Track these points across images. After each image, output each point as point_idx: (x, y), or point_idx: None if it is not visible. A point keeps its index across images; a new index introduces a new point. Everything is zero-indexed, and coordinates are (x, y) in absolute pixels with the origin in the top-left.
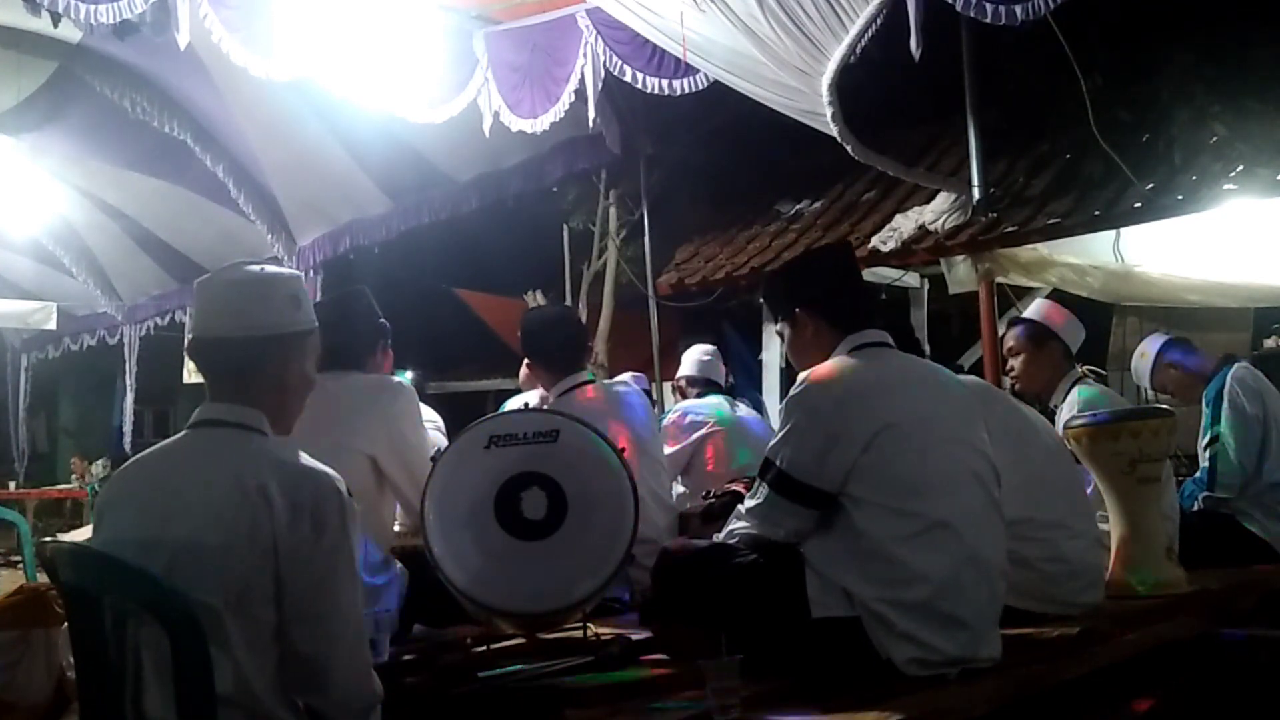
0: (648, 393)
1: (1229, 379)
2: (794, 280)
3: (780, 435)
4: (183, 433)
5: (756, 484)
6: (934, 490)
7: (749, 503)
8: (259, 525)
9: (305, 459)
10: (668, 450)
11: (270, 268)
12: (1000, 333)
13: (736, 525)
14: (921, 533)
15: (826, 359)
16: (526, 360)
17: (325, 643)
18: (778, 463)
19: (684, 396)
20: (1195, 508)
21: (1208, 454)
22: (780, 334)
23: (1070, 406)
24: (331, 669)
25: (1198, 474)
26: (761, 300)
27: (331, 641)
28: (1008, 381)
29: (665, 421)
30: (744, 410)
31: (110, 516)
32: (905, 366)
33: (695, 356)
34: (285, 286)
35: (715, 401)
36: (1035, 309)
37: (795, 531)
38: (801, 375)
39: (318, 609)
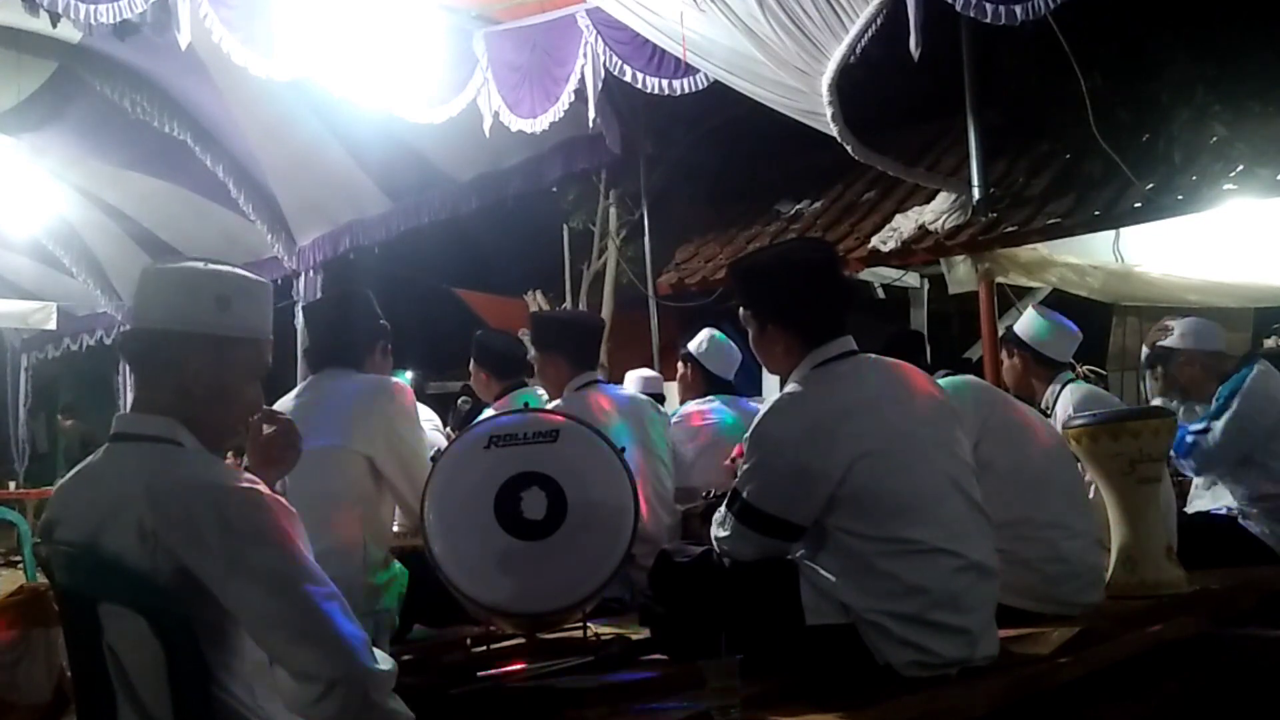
0: (660, 397)
1: (1248, 382)
2: (764, 288)
3: (747, 468)
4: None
5: (724, 513)
6: (920, 511)
7: (718, 532)
8: (146, 540)
9: (189, 470)
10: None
11: (214, 265)
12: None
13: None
14: (914, 554)
15: (792, 367)
16: (540, 357)
17: (280, 635)
18: (744, 495)
19: (687, 368)
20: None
21: (1195, 432)
22: (745, 322)
23: (1064, 408)
24: (297, 659)
25: (1189, 431)
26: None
27: (285, 633)
28: None
29: (671, 423)
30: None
31: (50, 526)
32: (873, 382)
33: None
34: (215, 284)
35: (720, 407)
36: (1021, 318)
37: (766, 556)
38: (765, 405)
39: (253, 610)
